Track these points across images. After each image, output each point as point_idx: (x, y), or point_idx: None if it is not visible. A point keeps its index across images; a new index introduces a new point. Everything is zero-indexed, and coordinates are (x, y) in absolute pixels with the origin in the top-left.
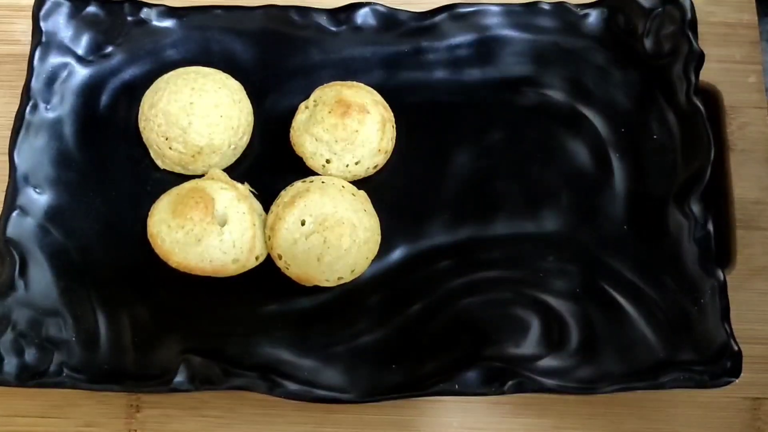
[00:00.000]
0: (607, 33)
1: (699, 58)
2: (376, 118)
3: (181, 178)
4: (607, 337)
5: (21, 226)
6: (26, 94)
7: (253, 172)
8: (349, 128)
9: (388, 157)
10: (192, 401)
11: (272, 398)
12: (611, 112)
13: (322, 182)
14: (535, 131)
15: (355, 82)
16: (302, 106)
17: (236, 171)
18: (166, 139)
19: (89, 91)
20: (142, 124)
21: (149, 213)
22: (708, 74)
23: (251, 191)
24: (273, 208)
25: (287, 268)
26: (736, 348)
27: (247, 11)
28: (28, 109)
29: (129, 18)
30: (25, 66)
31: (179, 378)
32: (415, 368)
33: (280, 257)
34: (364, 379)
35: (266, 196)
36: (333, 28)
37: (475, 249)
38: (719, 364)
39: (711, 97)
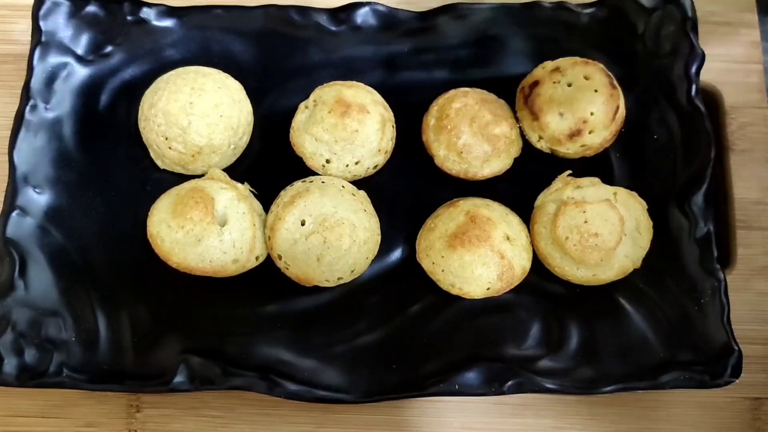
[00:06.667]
0: (607, 32)
1: (700, 58)
2: (376, 118)
3: (181, 178)
4: (607, 338)
5: (21, 226)
6: (26, 94)
7: (253, 172)
8: (349, 128)
9: (388, 157)
10: (192, 401)
11: (272, 398)
12: None
13: (322, 182)
14: None
15: (354, 82)
16: (302, 106)
17: (236, 171)
18: (166, 138)
19: (89, 91)
20: (141, 124)
21: (149, 213)
22: (708, 74)
23: (251, 191)
24: (273, 208)
25: (287, 269)
26: (736, 348)
27: (247, 11)
28: (27, 109)
29: (129, 18)
30: (24, 66)
31: (179, 378)
32: (415, 368)
33: (279, 257)
34: (364, 379)
35: (266, 196)
36: (333, 28)
37: None
38: (720, 364)
39: (711, 97)
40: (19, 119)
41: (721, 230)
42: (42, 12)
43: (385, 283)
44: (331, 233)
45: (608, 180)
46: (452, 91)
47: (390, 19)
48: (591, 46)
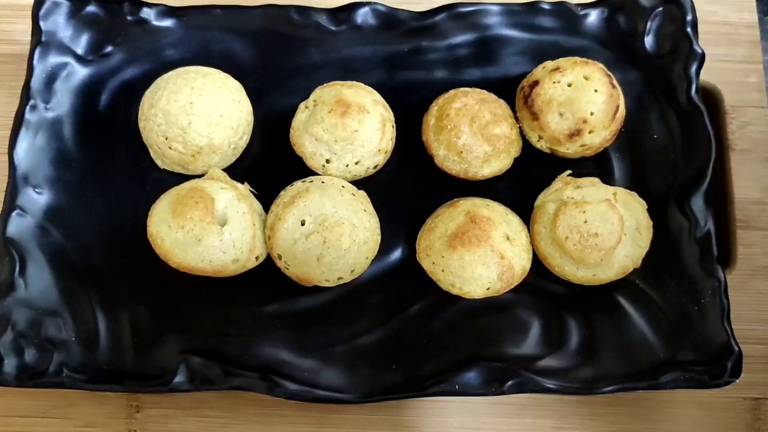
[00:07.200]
0: (607, 32)
1: (700, 58)
2: (376, 117)
3: (181, 178)
4: (607, 337)
5: (21, 226)
6: (26, 94)
7: (253, 172)
8: (349, 128)
9: (388, 157)
10: (192, 401)
11: (272, 398)
12: None
13: (322, 182)
14: None
15: (354, 82)
16: (302, 105)
17: (236, 171)
18: (166, 138)
19: (89, 90)
20: (141, 124)
21: (149, 213)
22: (708, 74)
23: (251, 191)
24: (273, 208)
25: (287, 268)
26: (736, 348)
27: (246, 11)
28: (27, 108)
29: (129, 18)
30: (24, 66)
31: (179, 378)
32: (415, 368)
33: (279, 257)
34: (364, 379)
35: (266, 196)
36: (333, 28)
37: None
38: (720, 364)
39: (711, 96)
40: (19, 119)
41: (721, 230)
42: (42, 12)
43: (385, 283)
44: (331, 233)
45: (608, 180)
46: (452, 91)
47: (390, 19)
48: (591, 46)
